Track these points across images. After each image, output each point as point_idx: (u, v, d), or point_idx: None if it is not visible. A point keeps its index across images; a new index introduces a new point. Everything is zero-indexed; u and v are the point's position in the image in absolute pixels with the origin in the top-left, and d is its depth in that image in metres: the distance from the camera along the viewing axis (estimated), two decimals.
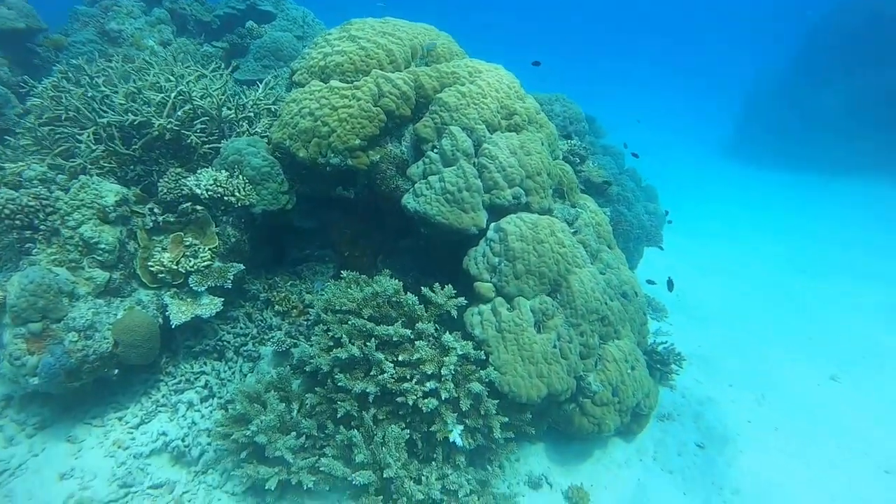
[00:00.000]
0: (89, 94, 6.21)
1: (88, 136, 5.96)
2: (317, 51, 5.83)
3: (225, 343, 5.81)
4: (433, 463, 4.76)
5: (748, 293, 11.21)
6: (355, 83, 5.40)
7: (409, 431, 4.69)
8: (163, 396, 5.51)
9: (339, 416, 4.71)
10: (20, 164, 5.73)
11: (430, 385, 4.66)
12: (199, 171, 5.64)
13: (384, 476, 4.40)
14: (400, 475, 4.45)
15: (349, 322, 4.89)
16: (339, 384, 4.74)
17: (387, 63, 5.57)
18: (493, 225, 5.18)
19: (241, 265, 5.70)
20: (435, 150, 5.32)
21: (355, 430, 4.61)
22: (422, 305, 4.98)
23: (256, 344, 5.83)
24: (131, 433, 5.26)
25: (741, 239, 15.48)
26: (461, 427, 4.75)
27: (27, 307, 4.87)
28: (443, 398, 4.62)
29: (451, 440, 4.68)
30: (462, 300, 5.03)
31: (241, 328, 5.89)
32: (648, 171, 15.53)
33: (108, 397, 5.47)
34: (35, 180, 5.58)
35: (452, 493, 4.66)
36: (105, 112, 6.01)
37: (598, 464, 5.50)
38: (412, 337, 4.81)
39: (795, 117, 28.86)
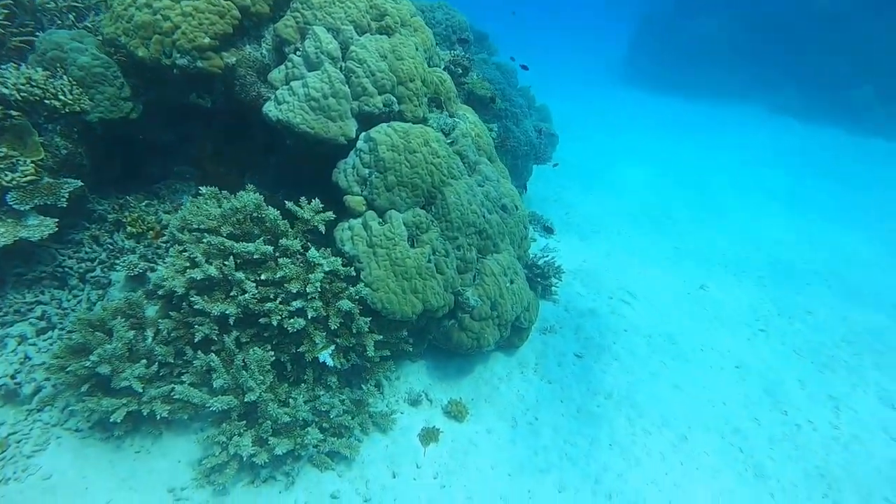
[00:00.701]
0: None
1: None
2: None
3: (67, 269, 5.17)
4: (303, 385, 4.52)
5: (631, 211, 11.59)
6: None
7: (274, 354, 4.40)
8: None
9: (196, 340, 4.33)
10: None
11: (296, 304, 4.35)
12: (2, 67, 4.81)
13: (246, 400, 4.11)
14: (264, 398, 4.18)
15: (205, 240, 4.45)
16: (195, 307, 4.33)
17: None
18: (363, 134, 4.82)
19: (79, 182, 5.01)
20: (298, 53, 4.82)
21: (213, 355, 4.26)
22: (286, 221, 4.61)
23: (106, 269, 5.23)
24: None
25: (631, 160, 15.94)
26: (332, 347, 4.51)
27: None
28: (309, 317, 4.34)
29: (321, 360, 4.44)
30: (330, 214, 4.70)
31: (85, 252, 5.25)
32: (544, 92, 15.54)
33: None
34: None
35: (324, 414, 4.47)
36: None
37: (479, 379, 5.49)
38: (276, 254, 4.45)
39: (681, 44, 29.96)
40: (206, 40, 4.67)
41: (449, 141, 5.10)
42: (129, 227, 5.32)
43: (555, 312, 6.99)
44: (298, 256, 4.55)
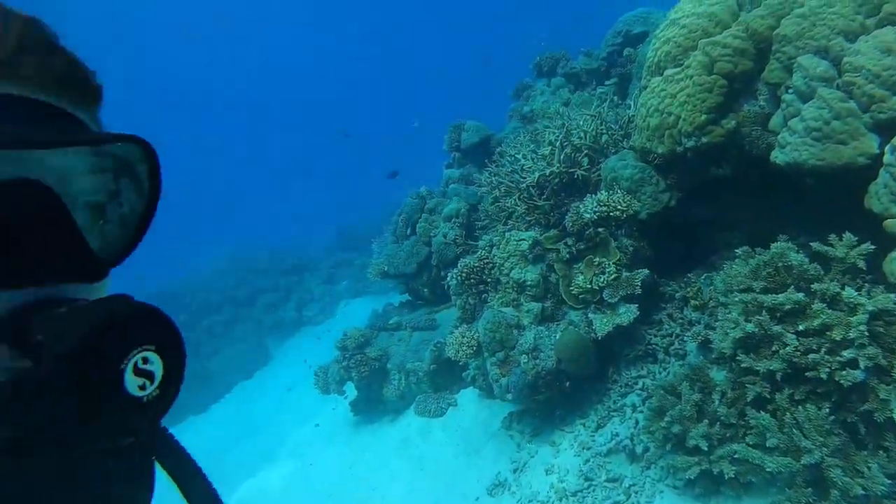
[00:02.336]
0: (509, 170, 7.76)
1: (514, 201, 7.44)
2: (650, 49, 5.91)
3: (654, 345, 6.12)
4: (881, 453, 3.91)
5: None
6: (685, 62, 5.25)
7: (835, 414, 4.02)
8: (612, 402, 6.17)
9: (748, 399, 4.42)
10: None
11: (847, 354, 3.93)
12: (584, 199, 6.33)
13: (802, 462, 3.89)
14: (828, 462, 3.85)
15: (737, 298, 4.61)
16: (742, 365, 4.47)
17: (712, 28, 5.21)
18: (888, 147, 4.10)
19: (646, 270, 6.00)
20: (790, 91, 4.64)
21: (765, 413, 4.24)
22: (816, 265, 4.28)
23: (681, 342, 5.92)
24: (592, 436, 6.05)
25: None
26: None
27: (490, 341, 6.34)
28: (862, 367, 3.83)
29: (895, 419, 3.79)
30: (868, 246, 4.10)
31: (665, 329, 6.11)
32: None
33: (572, 407, 6.44)
34: (485, 248, 7.28)
35: None
36: (522, 178, 7.41)
37: None
38: (808, 301, 4.18)
39: None
40: (703, 117, 5.08)
41: None
42: (692, 301, 5.92)
43: None
44: (841, 301, 4.13)
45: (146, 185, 0.78)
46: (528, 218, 7.23)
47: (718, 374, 5.01)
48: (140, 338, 0.62)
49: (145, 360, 0.62)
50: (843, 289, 4.04)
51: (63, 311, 0.63)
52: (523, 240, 6.57)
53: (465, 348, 6.72)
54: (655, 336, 6.13)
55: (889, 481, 3.72)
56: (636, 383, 6.09)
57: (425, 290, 9.85)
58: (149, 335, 0.63)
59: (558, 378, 6.15)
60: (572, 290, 6.27)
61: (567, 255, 6.47)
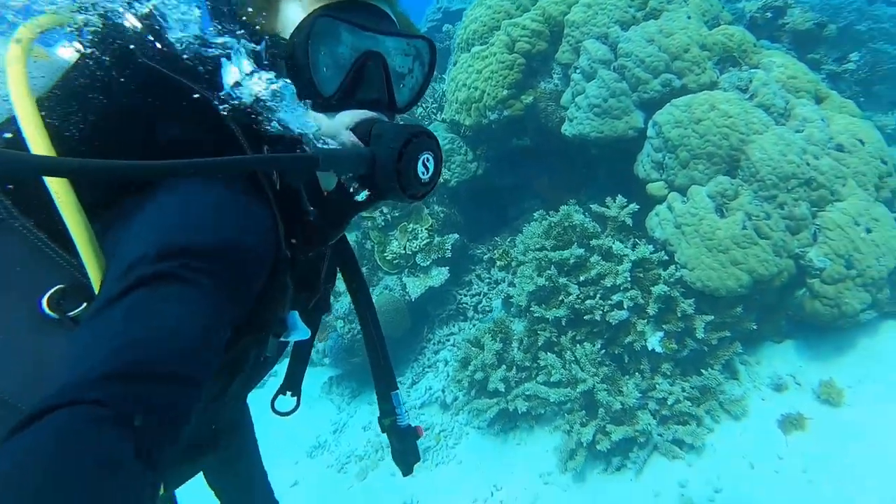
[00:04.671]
0: None
1: None
2: (461, 27, 6.29)
3: (465, 304, 6.59)
4: (637, 375, 4.66)
5: None
6: (490, 41, 5.68)
7: (606, 348, 4.72)
8: (427, 359, 6.54)
9: (539, 344, 4.99)
10: None
11: (615, 298, 4.61)
12: None
13: (578, 390, 4.52)
14: (598, 388, 4.51)
15: (529, 256, 5.15)
16: (535, 315, 5.03)
17: (514, 10, 5.71)
18: (650, 122, 4.84)
19: (456, 234, 6.42)
20: (577, 71, 5.24)
21: (552, 354, 4.83)
22: (594, 224, 4.94)
23: (488, 299, 6.45)
24: (408, 392, 6.37)
25: None
26: (660, 334, 4.56)
27: None
28: (625, 307, 4.53)
29: (649, 348, 4.54)
30: (633, 206, 4.84)
31: (475, 288, 6.60)
32: None
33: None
34: None
35: (661, 402, 4.50)
36: None
37: (864, 354, 4.53)
38: (588, 255, 4.82)
39: None
40: (505, 92, 5.54)
41: (747, 97, 4.62)
42: (498, 262, 6.45)
43: None
44: (606, 253, 4.81)
45: (426, 70, 1.28)
46: None
47: (518, 326, 5.56)
48: (429, 145, 1.11)
49: (427, 160, 1.10)
50: (614, 243, 4.71)
51: (390, 123, 1.14)
52: None
53: None
54: (465, 296, 6.60)
55: (640, 394, 4.46)
56: (448, 340, 6.53)
57: None
58: (432, 146, 1.11)
59: None
60: (387, 255, 6.52)
61: (382, 223, 6.69)
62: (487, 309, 6.40)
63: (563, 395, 4.59)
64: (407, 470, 1.67)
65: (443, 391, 6.04)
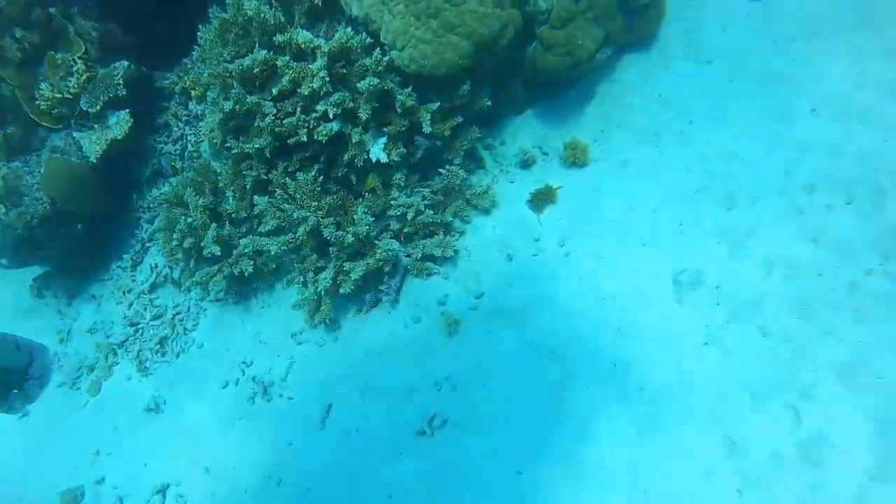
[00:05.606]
0: None
1: None
2: None
3: (170, 154, 5.16)
4: (368, 196, 3.82)
5: None
6: None
7: (321, 173, 3.76)
8: (144, 232, 5.21)
9: (248, 186, 3.90)
10: None
11: (320, 107, 3.54)
12: None
13: (301, 232, 3.61)
14: (324, 223, 3.61)
15: (206, 73, 3.83)
16: (233, 151, 3.85)
17: None
18: None
19: (126, 61, 4.76)
20: None
21: (264, 197, 3.78)
22: (278, 12, 3.64)
23: (195, 144, 5.08)
24: (132, 275, 5.11)
25: None
26: (383, 139, 3.65)
27: None
28: (331, 116, 3.51)
29: (373, 160, 3.64)
30: None
31: (175, 132, 5.14)
32: None
33: (101, 250, 5.30)
34: None
35: (401, 218, 3.75)
36: None
37: (604, 101, 4.04)
38: (274, 57, 3.60)
39: None
40: None
41: None
42: (192, 92, 4.98)
43: None
44: (304, 49, 3.62)
45: None
46: None
47: (224, 169, 4.33)
48: None
49: None
50: (298, 34, 3.50)
51: None
52: None
53: None
54: (167, 143, 5.15)
55: (372, 218, 3.67)
56: (161, 205, 5.18)
57: None
58: None
59: (63, 222, 4.86)
60: (40, 104, 4.74)
61: (20, 54, 4.77)
62: (196, 154, 5.04)
63: (283, 244, 3.65)
64: None
65: (170, 267, 4.86)
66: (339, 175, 3.79)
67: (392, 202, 3.73)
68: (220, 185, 4.16)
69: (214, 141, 4.01)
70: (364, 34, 3.52)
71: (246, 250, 3.83)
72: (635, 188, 3.63)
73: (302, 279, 3.79)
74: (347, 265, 3.61)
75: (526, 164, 3.98)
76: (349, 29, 3.53)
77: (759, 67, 3.71)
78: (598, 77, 4.04)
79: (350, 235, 3.55)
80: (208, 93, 4.05)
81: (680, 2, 4.07)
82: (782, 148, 3.44)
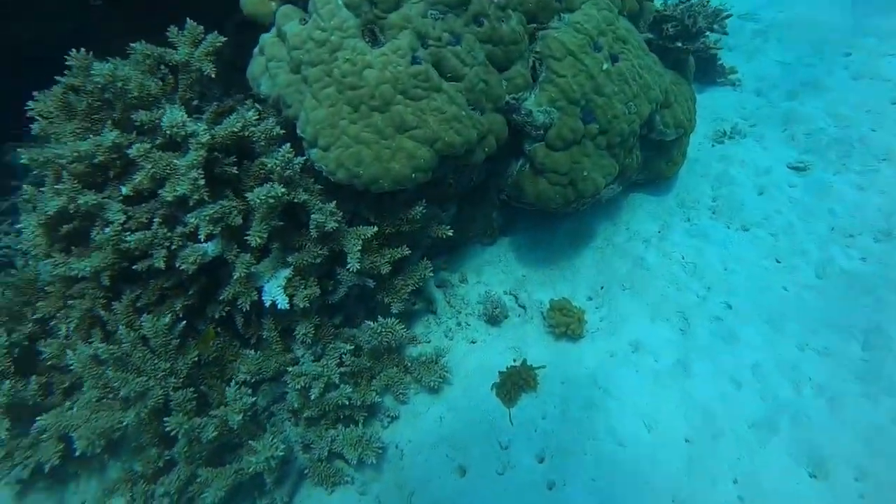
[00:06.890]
0: None
1: None
2: None
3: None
4: (254, 353, 2.54)
5: None
6: None
7: (183, 317, 2.47)
8: None
9: (73, 326, 2.54)
10: None
11: (190, 220, 2.31)
12: None
13: (127, 421, 2.25)
14: (175, 398, 2.28)
15: (45, 154, 2.56)
16: (54, 273, 2.51)
17: None
18: None
19: None
20: None
21: (96, 345, 2.43)
22: (154, 80, 2.47)
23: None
24: None
25: None
26: (287, 271, 2.42)
27: None
28: (202, 235, 2.28)
29: (267, 302, 2.38)
30: (219, 38, 2.48)
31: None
32: None
33: None
34: None
35: (304, 394, 2.46)
36: None
37: (606, 248, 3.04)
38: (126, 140, 2.39)
39: None
40: None
41: None
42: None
43: (734, 100, 4.08)
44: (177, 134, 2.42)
45: None
46: None
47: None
48: None
49: None
50: (174, 112, 2.31)
51: None
52: None
53: None
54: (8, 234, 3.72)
55: (244, 401, 2.36)
56: None
57: None
58: None
59: None
60: None
61: None
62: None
63: (99, 430, 2.26)
64: None
65: None
66: (218, 316, 2.51)
67: (289, 368, 2.44)
68: (39, 314, 2.76)
69: (37, 245, 2.67)
70: (272, 122, 2.37)
71: (46, 434, 2.39)
72: (653, 394, 2.49)
73: (130, 493, 2.35)
74: (204, 473, 2.24)
75: (495, 318, 2.81)
76: (251, 112, 2.39)
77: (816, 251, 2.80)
78: (598, 211, 3.02)
79: (212, 428, 2.20)
80: (46, 178, 2.76)
81: (706, 149, 3.22)
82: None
